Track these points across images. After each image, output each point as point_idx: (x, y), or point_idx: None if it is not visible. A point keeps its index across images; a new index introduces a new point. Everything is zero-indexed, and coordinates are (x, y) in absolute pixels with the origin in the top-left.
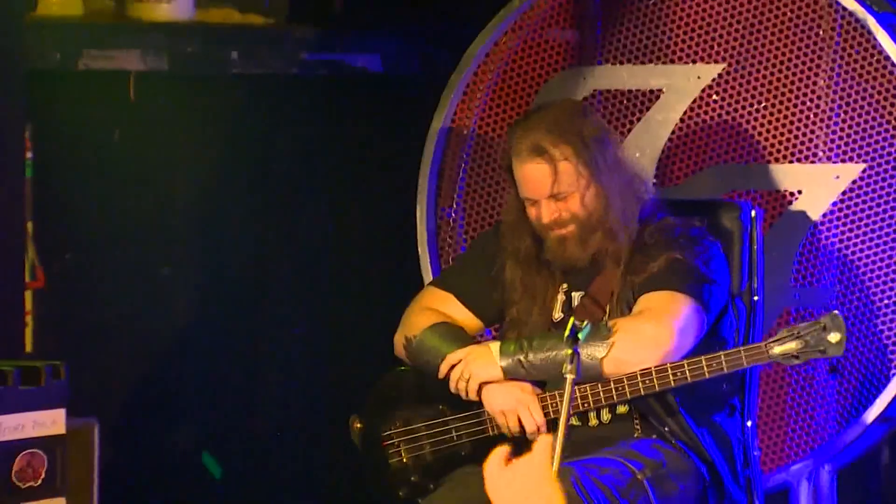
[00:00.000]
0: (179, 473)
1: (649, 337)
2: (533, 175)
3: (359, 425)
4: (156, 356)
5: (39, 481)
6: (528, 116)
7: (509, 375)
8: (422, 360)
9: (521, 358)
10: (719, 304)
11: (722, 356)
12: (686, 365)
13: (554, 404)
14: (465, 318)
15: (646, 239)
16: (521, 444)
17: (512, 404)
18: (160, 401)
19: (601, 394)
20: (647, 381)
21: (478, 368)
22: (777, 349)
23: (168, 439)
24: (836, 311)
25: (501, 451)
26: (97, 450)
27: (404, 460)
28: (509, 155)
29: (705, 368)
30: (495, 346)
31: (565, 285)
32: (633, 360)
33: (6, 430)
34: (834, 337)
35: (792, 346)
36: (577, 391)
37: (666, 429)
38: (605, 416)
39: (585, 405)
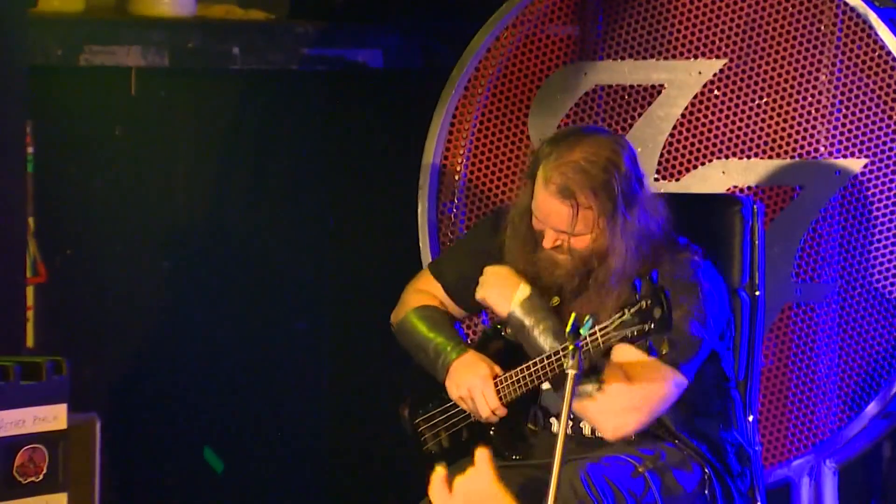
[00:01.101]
0: (181, 469)
1: (629, 409)
2: (553, 210)
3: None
4: (157, 351)
5: (41, 476)
6: (569, 143)
7: (509, 324)
8: (405, 341)
9: (528, 322)
10: (707, 352)
11: (587, 338)
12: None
13: (505, 386)
14: (452, 306)
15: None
16: (461, 462)
17: (465, 392)
18: (161, 396)
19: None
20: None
21: (494, 294)
22: (614, 334)
23: (169, 434)
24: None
25: (439, 474)
26: (98, 445)
27: (432, 449)
28: (536, 169)
29: (590, 346)
30: (525, 290)
31: (556, 299)
32: (604, 425)
33: (7, 426)
34: (657, 312)
35: (627, 324)
36: (509, 377)
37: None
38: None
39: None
